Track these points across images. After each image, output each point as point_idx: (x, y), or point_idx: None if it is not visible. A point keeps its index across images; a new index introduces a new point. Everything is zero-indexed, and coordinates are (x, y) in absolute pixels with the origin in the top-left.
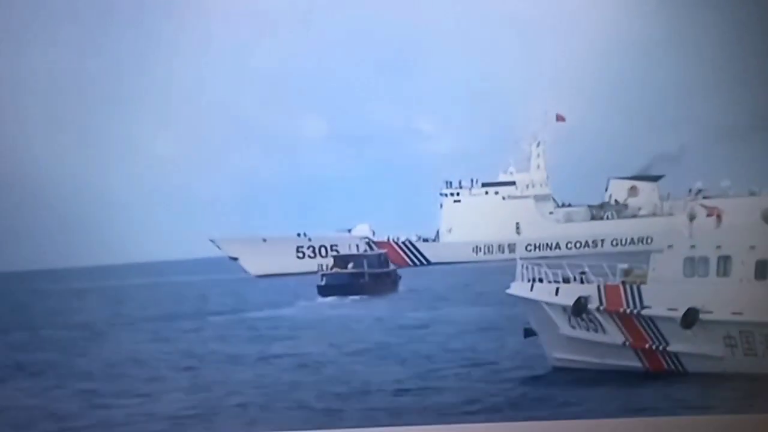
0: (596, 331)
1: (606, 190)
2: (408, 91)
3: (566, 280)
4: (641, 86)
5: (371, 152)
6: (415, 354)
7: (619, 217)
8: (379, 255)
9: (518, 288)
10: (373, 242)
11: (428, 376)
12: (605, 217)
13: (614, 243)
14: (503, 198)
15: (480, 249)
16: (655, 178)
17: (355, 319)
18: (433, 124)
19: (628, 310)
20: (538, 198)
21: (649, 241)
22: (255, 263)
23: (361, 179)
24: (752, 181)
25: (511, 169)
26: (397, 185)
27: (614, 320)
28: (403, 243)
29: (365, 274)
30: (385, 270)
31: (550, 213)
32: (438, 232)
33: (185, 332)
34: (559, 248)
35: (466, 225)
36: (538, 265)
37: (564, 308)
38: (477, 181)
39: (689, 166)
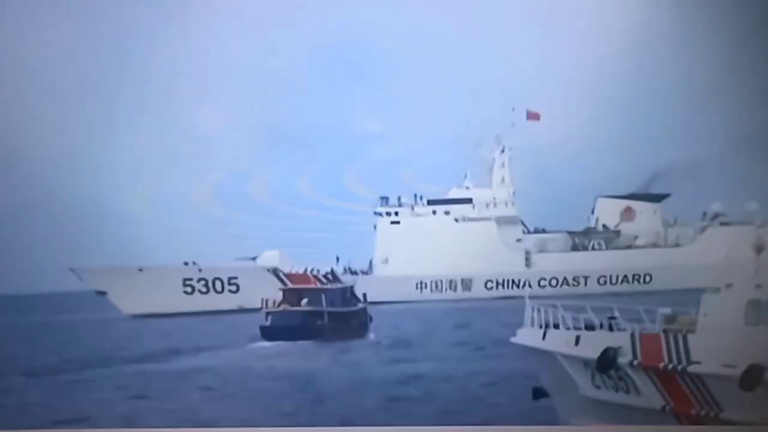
0: (628, 392)
1: (592, 212)
2: (355, 87)
3: (590, 327)
4: (643, 86)
5: (295, 156)
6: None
7: (608, 247)
8: (344, 289)
9: (527, 335)
10: (284, 274)
11: None
12: (590, 247)
13: (602, 281)
14: (455, 220)
15: (425, 285)
16: (657, 198)
17: (307, 371)
18: (381, 124)
19: (670, 366)
20: (501, 221)
21: (647, 279)
22: (128, 299)
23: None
24: None
25: (467, 182)
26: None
27: (652, 379)
28: (325, 276)
29: (324, 313)
30: (351, 309)
31: (518, 240)
32: (371, 262)
33: None
34: (529, 286)
35: (407, 254)
36: (553, 307)
37: (586, 362)
38: (421, 198)
39: (702, 184)
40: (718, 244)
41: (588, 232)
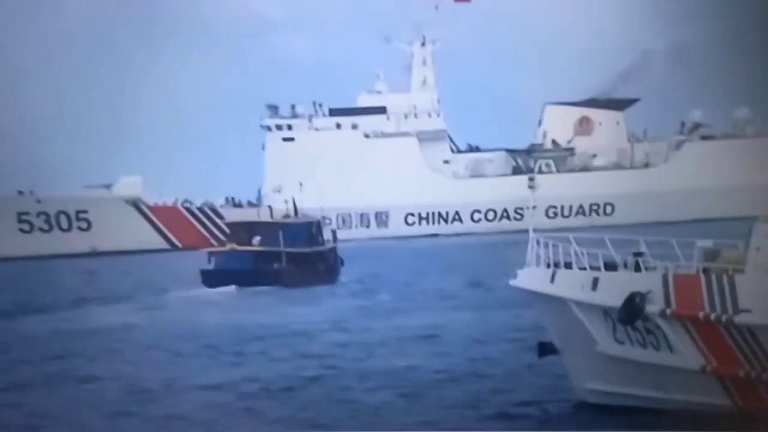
0: (658, 348)
1: (539, 124)
2: None
3: (610, 266)
4: None
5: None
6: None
7: (559, 169)
8: (308, 224)
9: (530, 277)
10: (147, 208)
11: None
12: (537, 169)
13: (552, 213)
14: (366, 135)
15: (328, 221)
16: (621, 105)
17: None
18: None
19: (712, 316)
20: (424, 136)
21: (608, 210)
22: None
23: None
24: None
25: (380, 85)
26: None
27: (689, 332)
28: (200, 210)
29: (282, 254)
30: (318, 249)
31: (445, 162)
32: (260, 191)
33: None
34: (460, 220)
35: (304, 179)
36: (564, 241)
37: (606, 311)
38: (321, 107)
39: (680, 84)
40: (698, 164)
41: (533, 151)
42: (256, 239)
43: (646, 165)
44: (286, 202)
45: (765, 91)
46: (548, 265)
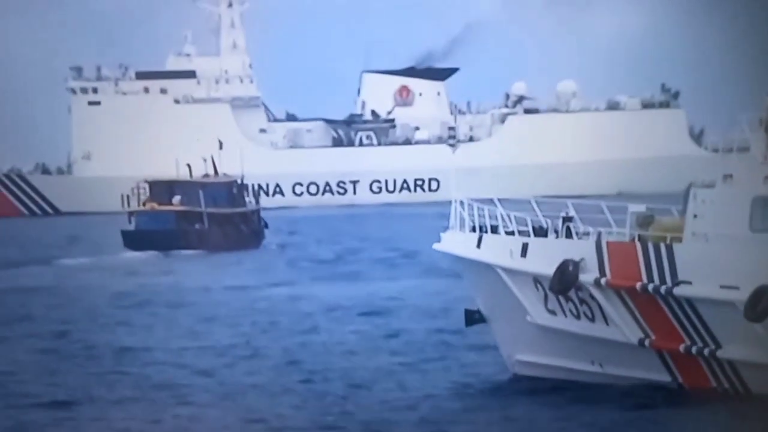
0: (593, 319)
1: (358, 93)
2: None
3: (540, 231)
4: None
5: None
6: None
7: (381, 142)
8: (229, 184)
9: (455, 242)
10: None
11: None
12: (357, 141)
13: (375, 187)
14: (176, 101)
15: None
16: (441, 74)
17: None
18: None
19: (650, 287)
20: (237, 103)
21: (433, 185)
22: None
23: None
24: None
25: (188, 48)
26: None
27: (625, 303)
28: (7, 176)
29: (203, 215)
30: (239, 210)
31: (261, 131)
32: (69, 157)
33: None
34: (282, 193)
35: (115, 147)
36: (489, 203)
37: (537, 279)
38: (127, 69)
39: (505, 52)
40: (521, 138)
41: (353, 122)
42: (176, 198)
43: (471, 139)
44: (205, 160)
45: (591, 65)
46: (472, 229)
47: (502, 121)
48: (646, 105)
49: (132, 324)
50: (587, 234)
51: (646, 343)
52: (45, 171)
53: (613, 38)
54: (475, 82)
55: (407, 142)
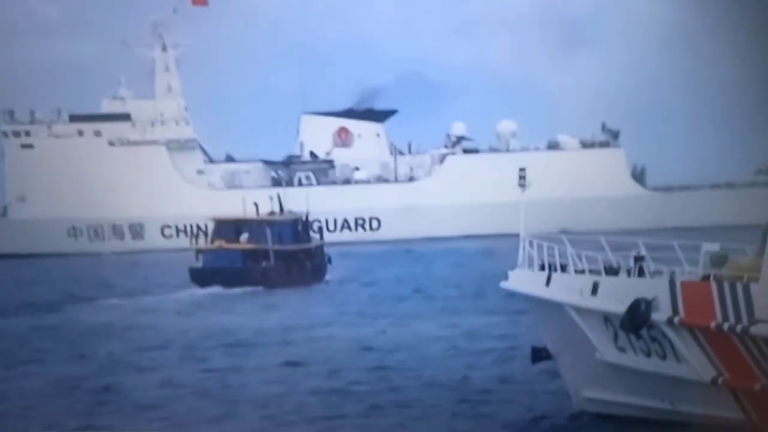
0: (664, 357)
1: (297, 134)
2: None
3: (611, 270)
4: None
5: None
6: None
7: (320, 182)
8: (295, 222)
9: (523, 280)
10: None
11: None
12: (296, 181)
13: (315, 227)
14: (110, 143)
15: (80, 232)
16: (380, 116)
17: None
18: None
19: (725, 326)
20: (173, 145)
21: (374, 224)
22: None
23: None
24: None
25: (123, 92)
26: None
27: (699, 342)
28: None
29: (270, 252)
30: (305, 246)
31: (199, 172)
32: (6, 200)
33: None
34: None
35: (51, 188)
36: (559, 242)
37: (607, 318)
38: (61, 113)
39: (443, 95)
40: (461, 178)
41: (291, 162)
42: (244, 236)
43: (411, 179)
44: (271, 198)
45: (530, 105)
46: (542, 267)
47: (442, 161)
48: (586, 145)
49: None
50: (659, 273)
51: (720, 381)
52: None
53: (554, 77)
54: (415, 123)
55: (347, 182)
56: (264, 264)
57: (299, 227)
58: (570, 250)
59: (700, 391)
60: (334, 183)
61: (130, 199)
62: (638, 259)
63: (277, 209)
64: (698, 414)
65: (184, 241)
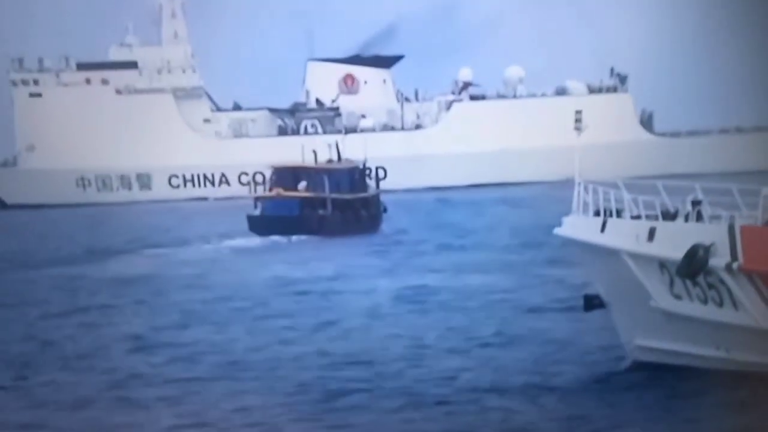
0: (721, 305)
1: (303, 82)
2: None
3: (668, 215)
4: None
5: None
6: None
7: (326, 130)
8: (352, 170)
9: (578, 226)
10: None
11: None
12: (302, 129)
13: None
14: (118, 91)
15: (89, 182)
16: (387, 62)
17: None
18: None
19: None
20: (180, 93)
21: (380, 174)
22: None
23: None
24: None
25: (130, 38)
26: None
27: (758, 288)
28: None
29: (327, 201)
30: (361, 195)
31: (206, 121)
32: (16, 150)
33: None
34: (227, 183)
35: (60, 138)
36: (614, 187)
37: (663, 264)
38: (69, 61)
39: (447, 44)
40: (467, 125)
41: (297, 110)
42: (302, 185)
43: (418, 126)
44: (330, 146)
45: (538, 51)
46: (596, 213)
47: (449, 108)
48: (594, 90)
49: None
50: (716, 218)
51: None
52: None
53: (561, 22)
54: (422, 70)
55: (353, 130)
56: (321, 212)
57: (356, 176)
58: (626, 195)
59: (758, 339)
60: (339, 131)
61: (137, 149)
62: (695, 203)
63: (335, 157)
64: (755, 362)
65: (192, 191)
